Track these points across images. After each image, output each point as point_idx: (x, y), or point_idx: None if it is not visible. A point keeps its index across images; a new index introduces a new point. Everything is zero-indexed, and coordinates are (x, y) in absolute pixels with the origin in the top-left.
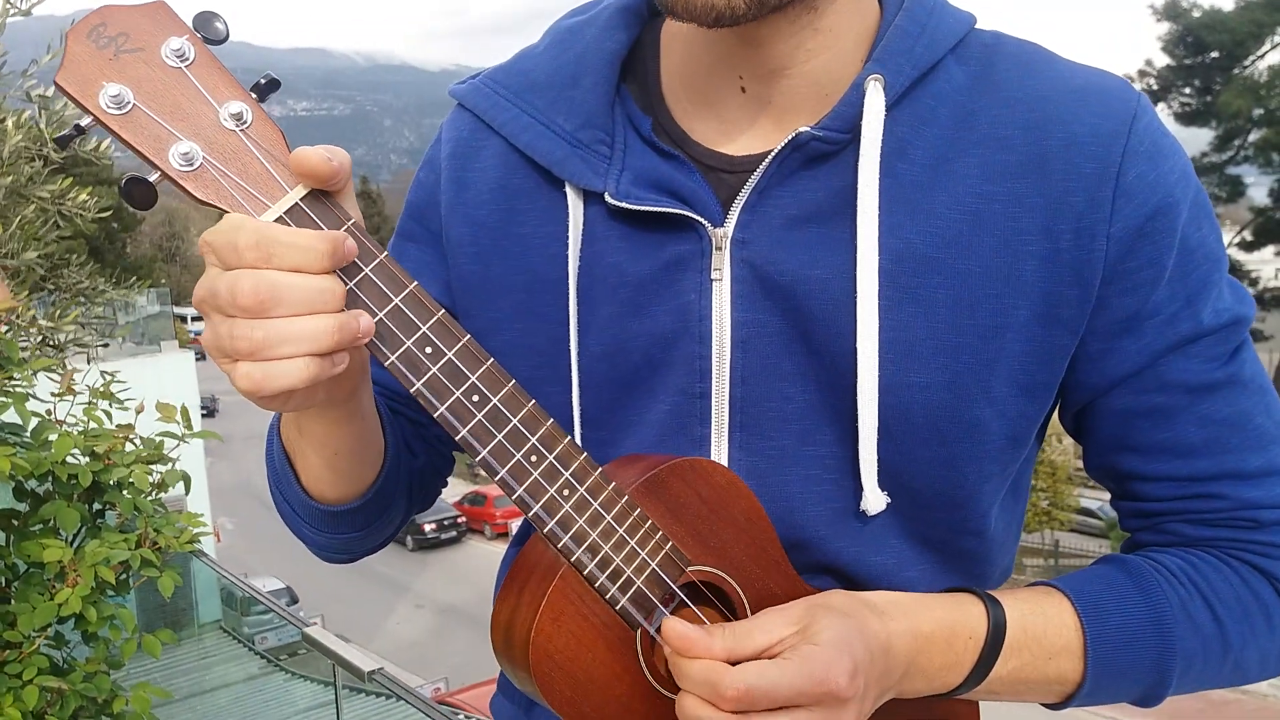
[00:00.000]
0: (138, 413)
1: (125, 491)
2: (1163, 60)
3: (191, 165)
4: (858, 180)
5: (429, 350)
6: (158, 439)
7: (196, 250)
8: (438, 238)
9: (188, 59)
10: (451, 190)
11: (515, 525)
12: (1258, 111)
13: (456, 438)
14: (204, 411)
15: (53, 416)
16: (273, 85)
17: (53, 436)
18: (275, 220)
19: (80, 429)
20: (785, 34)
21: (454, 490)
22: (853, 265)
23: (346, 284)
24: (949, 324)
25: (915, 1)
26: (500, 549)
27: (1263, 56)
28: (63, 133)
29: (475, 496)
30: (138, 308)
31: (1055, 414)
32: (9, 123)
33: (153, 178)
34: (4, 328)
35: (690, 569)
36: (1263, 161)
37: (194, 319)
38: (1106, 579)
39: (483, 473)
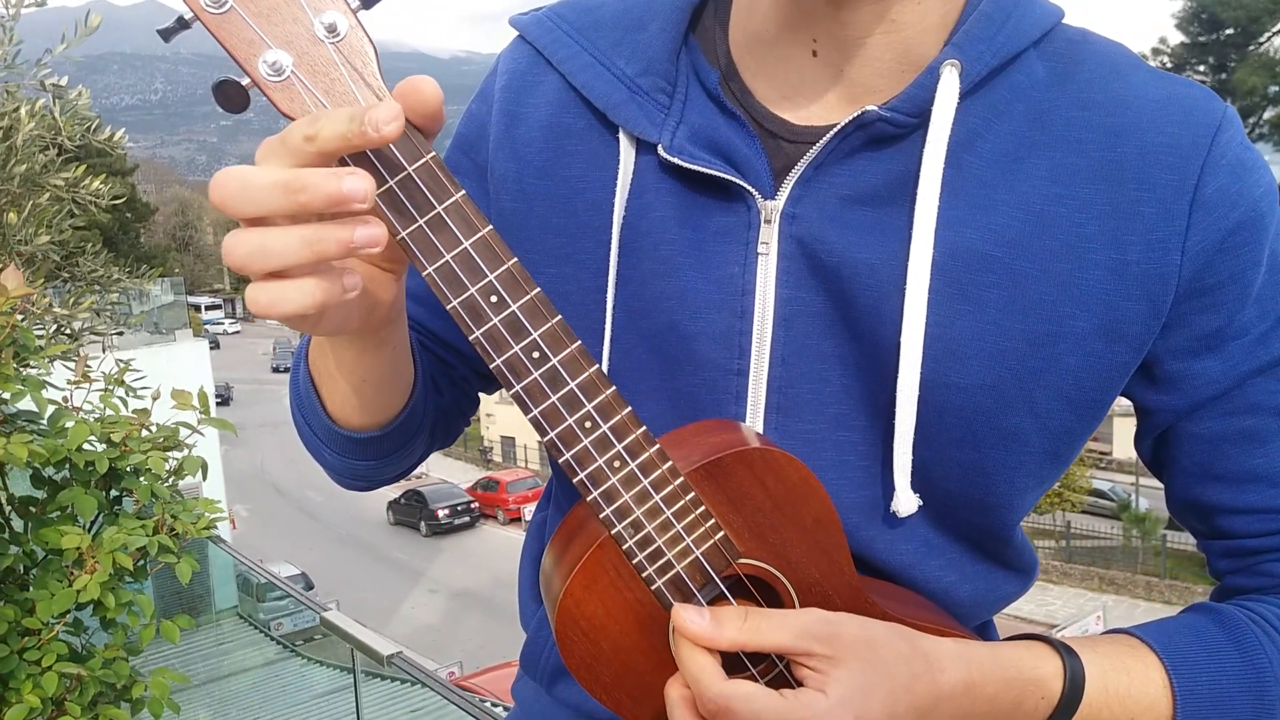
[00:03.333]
0: (154, 399)
1: (142, 478)
2: (1177, 38)
3: (280, 76)
4: (921, 167)
5: (494, 299)
6: (173, 425)
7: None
8: (484, 171)
9: None
10: (502, 123)
11: (529, 510)
12: (1273, 89)
13: (509, 392)
14: (218, 400)
15: (69, 404)
16: None
17: (69, 423)
18: None
19: (96, 416)
20: None
21: (467, 475)
22: (904, 254)
23: (418, 220)
24: (998, 327)
25: None
26: (513, 534)
27: (1278, 33)
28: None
29: (488, 482)
30: (152, 297)
31: (1131, 438)
32: (23, 111)
33: (245, 82)
34: (19, 315)
35: (739, 562)
36: (1278, 139)
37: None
38: (1197, 632)
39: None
